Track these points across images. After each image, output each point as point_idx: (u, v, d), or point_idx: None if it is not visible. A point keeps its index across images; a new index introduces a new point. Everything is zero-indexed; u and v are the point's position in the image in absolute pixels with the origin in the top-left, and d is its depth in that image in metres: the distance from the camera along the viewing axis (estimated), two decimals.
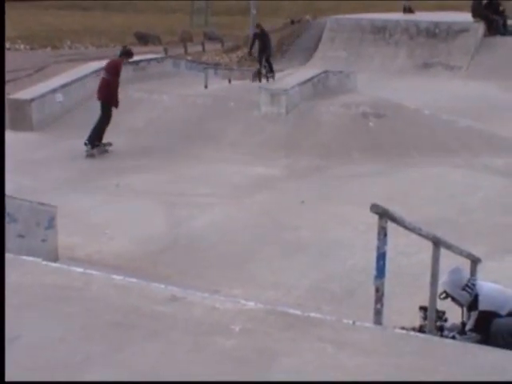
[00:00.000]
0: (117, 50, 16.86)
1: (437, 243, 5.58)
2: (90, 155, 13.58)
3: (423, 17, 25.63)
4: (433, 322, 5.71)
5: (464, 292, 5.80)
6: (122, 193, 11.36)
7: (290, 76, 17.46)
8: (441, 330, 5.99)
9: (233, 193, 11.41)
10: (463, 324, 5.98)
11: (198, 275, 8.37)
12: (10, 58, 22.06)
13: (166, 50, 28.35)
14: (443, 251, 5.72)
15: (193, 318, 4.02)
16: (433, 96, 17.59)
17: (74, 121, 15.15)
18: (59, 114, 15.50)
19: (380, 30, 24.42)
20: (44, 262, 4.91)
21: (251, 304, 4.23)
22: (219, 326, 3.92)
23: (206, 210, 10.58)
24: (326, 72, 16.83)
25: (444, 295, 5.88)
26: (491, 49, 22.78)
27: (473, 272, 6.79)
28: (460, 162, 12.90)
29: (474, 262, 6.98)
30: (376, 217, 4.47)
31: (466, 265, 6.71)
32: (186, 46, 30.47)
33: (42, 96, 15.42)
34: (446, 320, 6.13)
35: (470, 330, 5.77)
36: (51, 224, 8.40)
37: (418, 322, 6.09)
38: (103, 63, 15.14)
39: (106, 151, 13.84)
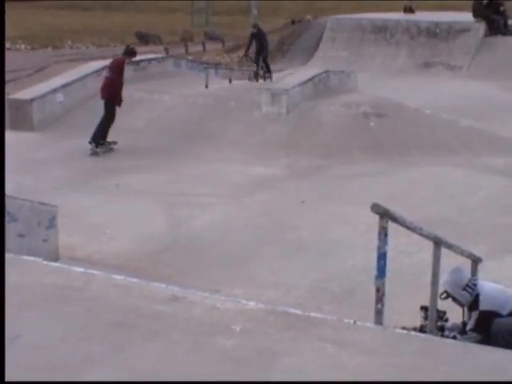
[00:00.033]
0: (117, 50, 16.90)
1: (438, 243, 5.57)
2: (94, 153, 13.62)
3: (424, 16, 25.62)
4: (433, 322, 5.71)
5: (465, 292, 5.80)
6: (122, 193, 11.35)
7: (291, 76, 17.46)
8: (441, 329, 5.98)
9: (233, 192, 11.41)
10: (464, 324, 5.97)
11: (199, 275, 8.37)
12: (10, 57, 22.08)
13: (166, 50, 28.36)
14: (444, 251, 5.71)
15: (193, 317, 4.02)
16: (433, 96, 17.59)
17: (75, 121, 15.15)
18: (60, 113, 15.50)
19: (381, 30, 24.42)
20: (44, 262, 4.91)
21: (252, 304, 4.23)
22: (219, 325, 3.92)
23: (207, 209, 10.58)
24: (326, 72, 16.83)
25: (445, 295, 5.87)
26: (492, 49, 22.77)
27: (474, 272, 6.79)
28: (460, 162, 12.90)
29: (475, 261, 6.98)
30: (377, 216, 4.46)
31: (466, 265, 6.70)
32: (187, 45, 30.47)
33: (43, 96, 15.42)
34: (446, 320, 6.12)
35: (471, 330, 5.77)
36: (52, 224, 8.40)
37: (418, 321, 6.09)
38: (104, 63, 15.15)
39: (111, 150, 13.87)
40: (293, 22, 29.94)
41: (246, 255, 9.02)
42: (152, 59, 18.53)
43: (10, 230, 7.39)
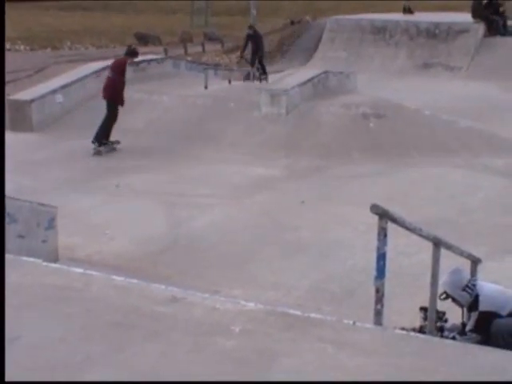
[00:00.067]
0: (117, 51, 16.90)
1: (437, 244, 5.57)
2: (97, 153, 13.64)
3: (423, 17, 25.64)
4: (433, 323, 5.71)
5: (464, 292, 5.80)
6: (122, 193, 11.36)
7: (290, 76, 17.46)
8: (441, 330, 5.98)
9: (233, 193, 11.41)
10: (463, 324, 5.97)
11: (198, 275, 8.37)
12: (10, 58, 22.05)
13: (166, 51, 28.35)
14: (443, 251, 5.71)
15: (193, 318, 4.02)
16: (433, 96, 17.61)
17: (74, 121, 15.16)
18: (59, 114, 15.50)
19: (380, 31, 24.44)
20: (44, 263, 4.92)
21: (251, 304, 4.23)
22: (219, 326, 3.92)
23: (206, 210, 10.58)
24: (326, 72, 16.83)
25: (444, 296, 5.87)
26: (491, 49, 22.79)
27: (473, 272, 6.79)
28: (460, 163, 12.90)
29: (475, 262, 6.98)
30: (376, 217, 4.46)
31: (466, 265, 6.70)
32: (186, 46, 30.47)
33: (42, 97, 15.42)
34: (446, 320, 6.12)
35: (471, 331, 5.77)
36: (51, 224, 8.40)
37: (418, 322, 6.09)
38: (104, 64, 15.15)
39: (114, 149, 13.89)
40: (292, 23, 29.96)
41: (245, 256, 9.02)
42: (151, 60, 18.52)
43: (10, 230, 7.39)
